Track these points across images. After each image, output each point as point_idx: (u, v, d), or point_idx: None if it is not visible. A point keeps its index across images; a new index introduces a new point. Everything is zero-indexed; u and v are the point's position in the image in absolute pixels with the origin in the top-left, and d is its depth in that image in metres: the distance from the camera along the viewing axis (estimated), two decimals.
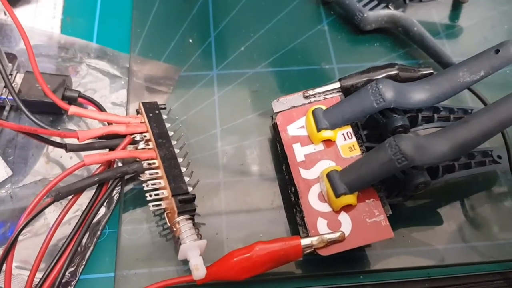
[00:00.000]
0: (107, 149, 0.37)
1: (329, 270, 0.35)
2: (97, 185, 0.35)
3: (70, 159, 0.39)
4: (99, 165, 0.36)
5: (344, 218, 0.33)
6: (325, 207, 0.34)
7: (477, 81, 0.34)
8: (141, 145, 0.36)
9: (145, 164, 0.35)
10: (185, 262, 0.33)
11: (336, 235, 0.32)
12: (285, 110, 0.38)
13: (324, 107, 0.36)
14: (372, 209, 0.33)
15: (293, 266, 0.35)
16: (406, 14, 0.45)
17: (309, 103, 0.38)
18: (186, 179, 0.35)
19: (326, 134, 0.35)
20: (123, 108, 0.42)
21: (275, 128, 0.38)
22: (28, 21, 0.46)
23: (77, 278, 0.35)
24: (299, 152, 0.36)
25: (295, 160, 0.36)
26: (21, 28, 0.37)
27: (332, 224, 0.33)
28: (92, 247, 0.36)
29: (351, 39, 0.47)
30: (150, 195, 0.35)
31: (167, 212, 0.35)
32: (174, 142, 0.36)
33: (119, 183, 0.37)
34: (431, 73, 0.37)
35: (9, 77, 0.39)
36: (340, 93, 0.38)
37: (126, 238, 0.36)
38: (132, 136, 0.36)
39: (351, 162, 0.34)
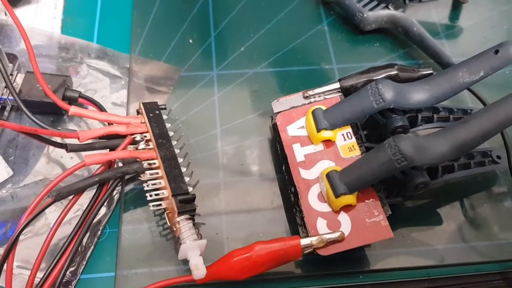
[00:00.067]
0: (108, 149, 0.37)
1: (329, 270, 0.35)
2: (97, 185, 0.35)
3: (70, 159, 0.39)
4: (99, 165, 0.36)
5: (344, 218, 0.33)
6: (324, 207, 0.34)
7: (477, 82, 0.34)
8: (142, 145, 0.36)
9: (145, 164, 0.35)
10: (185, 261, 0.33)
11: (335, 235, 0.32)
12: (285, 110, 0.38)
13: (324, 108, 0.36)
14: (372, 209, 0.33)
15: (292, 266, 0.35)
16: (406, 15, 0.45)
17: (309, 103, 0.38)
18: (186, 179, 0.35)
19: (326, 134, 0.35)
20: (124, 108, 0.42)
21: (275, 128, 0.38)
22: (28, 21, 0.46)
23: (77, 278, 0.35)
24: (299, 152, 0.36)
25: (295, 160, 0.36)
26: (21, 28, 0.37)
27: (332, 224, 0.33)
28: (92, 247, 0.36)
29: (351, 39, 0.47)
30: (151, 195, 0.35)
31: (167, 212, 0.35)
32: (174, 142, 0.37)
33: (120, 183, 0.37)
34: (431, 74, 0.37)
35: (10, 77, 0.39)
36: (340, 94, 0.38)
37: (127, 238, 0.36)
38: (133, 136, 0.37)
39: (350, 162, 0.34)
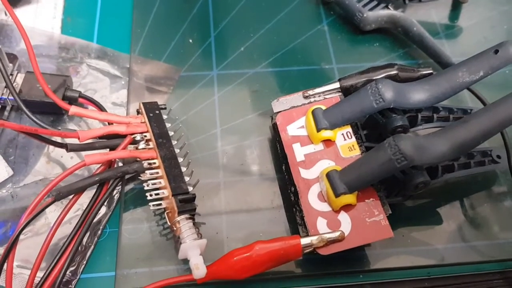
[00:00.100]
0: (108, 149, 0.37)
1: (329, 270, 0.35)
2: (97, 184, 0.35)
3: (70, 159, 0.39)
4: (99, 165, 0.36)
5: (344, 218, 0.33)
6: (324, 207, 0.34)
7: (477, 81, 0.34)
8: (142, 145, 0.36)
9: (145, 164, 0.35)
10: (186, 261, 0.33)
11: (335, 234, 0.32)
12: (285, 110, 0.38)
13: (323, 107, 0.36)
14: (372, 208, 0.33)
15: (293, 266, 0.35)
16: (405, 14, 0.45)
17: (308, 103, 0.38)
18: (186, 178, 0.35)
19: (326, 134, 0.35)
20: (124, 108, 0.42)
21: (275, 128, 0.38)
22: (28, 21, 0.46)
23: (78, 277, 0.35)
24: (299, 152, 0.36)
25: (295, 160, 0.36)
26: (21, 28, 0.38)
27: (332, 223, 0.33)
28: (92, 247, 0.36)
29: (351, 39, 0.47)
30: (151, 195, 0.35)
31: (167, 211, 0.35)
32: (174, 142, 0.37)
33: (120, 183, 0.37)
34: (431, 73, 0.37)
35: (10, 77, 0.39)
36: (340, 93, 0.38)
37: (127, 237, 0.36)
38: (133, 136, 0.37)
39: (350, 162, 0.34)
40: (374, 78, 0.37)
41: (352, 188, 0.33)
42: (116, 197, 0.38)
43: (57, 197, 0.33)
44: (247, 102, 0.42)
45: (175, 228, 0.34)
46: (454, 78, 0.35)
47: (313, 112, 0.36)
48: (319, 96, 0.38)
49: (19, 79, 0.40)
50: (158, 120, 0.37)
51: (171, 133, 0.37)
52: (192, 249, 0.33)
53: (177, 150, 0.36)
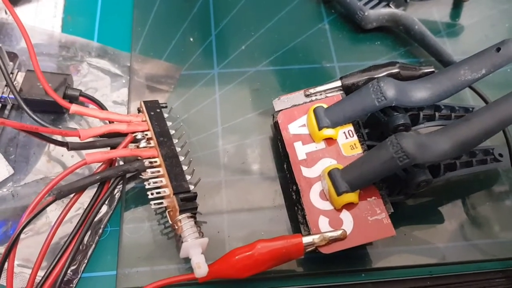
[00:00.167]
0: (109, 148, 0.37)
1: (331, 268, 0.35)
2: (98, 183, 0.35)
3: (71, 158, 0.39)
4: (100, 163, 0.36)
5: (346, 216, 0.33)
6: (326, 205, 0.34)
7: (478, 79, 0.34)
8: (143, 143, 0.36)
9: (146, 163, 0.35)
10: (187, 260, 0.33)
11: (337, 233, 0.32)
12: (286, 108, 0.38)
13: (325, 106, 0.36)
14: (374, 207, 0.33)
15: (294, 264, 0.35)
16: (407, 13, 0.45)
17: (310, 101, 0.38)
18: (188, 177, 0.35)
19: (328, 132, 0.35)
20: (124, 107, 0.42)
21: (276, 126, 0.38)
22: (29, 20, 0.46)
23: (79, 276, 0.35)
24: (300, 151, 0.36)
25: (297, 158, 0.36)
26: (22, 27, 0.37)
27: (334, 222, 0.33)
28: (93, 246, 0.36)
29: (352, 37, 0.47)
30: (152, 194, 0.35)
31: (168, 210, 0.35)
32: (175, 141, 0.37)
33: (121, 182, 0.37)
34: (432, 72, 0.37)
35: (10, 75, 0.39)
36: (341, 92, 0.38)
37: (128, 236, 0.36)
38: (134, 134, 0.36)
39: (352, 161, 0.34)
40: (375, 76, 0.37)
41: (354, 187, 0.33)
42: (117, 196, 0.38)
43: (58, 196, 0.32)
44: (248, 101, 0.42)
45: (176, 227, 0.33)
46: (456, 76, 0.35)
47: (314, 111, 0.36)
48: (321, 94, 0.38)
49: (19, 78, 0.40)
50: (159, 118, 0.37)
51: (172, 132, 0.37)
52: (194, 248, 0.32)
53: (178, 149, 0.36)
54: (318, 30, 0.47)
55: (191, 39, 0.46)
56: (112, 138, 0.37)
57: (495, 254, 0.36)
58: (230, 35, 0.46)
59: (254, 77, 0.44)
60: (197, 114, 0.41)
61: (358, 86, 0.37)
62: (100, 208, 0.35)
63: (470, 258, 0.36)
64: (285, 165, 0.37)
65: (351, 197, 0.33)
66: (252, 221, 0.37)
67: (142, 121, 0.37)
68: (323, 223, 0.33)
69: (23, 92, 0.39)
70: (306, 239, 0.32)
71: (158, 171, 0.35)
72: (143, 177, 0.35)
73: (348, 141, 0.36)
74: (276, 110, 0.38)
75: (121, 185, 0.37)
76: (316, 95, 0.38)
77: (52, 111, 0.40)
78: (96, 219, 0.36)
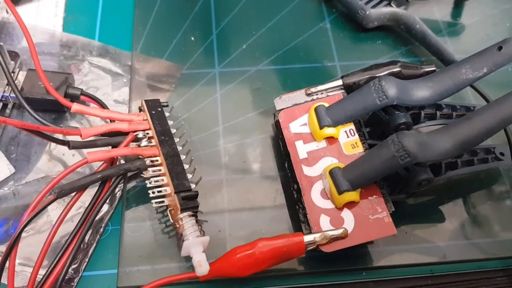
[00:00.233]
0: (110, 147, 0.37)
1: (332, 267, 0.35)
2: (99, 182, 0.35)
3: (72, 157, 0.39)
4: (101, 162, 0.36)
5: (347, 215, 0.33)
6: (327, 204, 0.34)
7: (480, 78, 0.34)
8: (144, 142, 0.36)
9: (147, 161, 0.35)
10: (188, 258, 0.33)
11: (339, 231, 0.32)
12: (287, 107, 0.38)
13: (326, 105, 0.36)
14: (375, 206, 0.33)
15: (295, 263, 0.35)
16: (408, 12, 0.45)
17: (311, 100, 0.38)
18: (189, 176, 0.35)
19: (329, 131, 0.35)
20: (125, 106, 0.42)
21: (277, 125, 0.38)
22: (30, 19, 0.46)
23: (80, 275, 0.35)
24: (301, 149, 0.36)
25: (298, 157, 0.36)
26: (23, 26, 0.37)
27: (335, 220, 0.33)
28: (95, 244, 0.36)
29: (353, 36, 0.47)
30: (153, 192, 0.35)
31: (170, 209, 0.35)
32: (176, 140, 0.37)
33: (122, 180, 0.37)
34: (434, 71, 0.37)
35: (12, 75, 0.39)
36: (343, 91, 0.38)
37: (129, 235, 0.36)
38: (135, 133, 0.36)
39: (353, 159, 0.34)
40: (377, 75, 0.37)
41: (355, 185, 0.33)
42: (118, 194, 0.38)
43: (59, 195, 0.32)
44: (249, 100, 0.42)
45: (177, 226, 0.33)
46: (457, 75, 0.35)
47: (315, 110, 0.36)
48: (322, 93, 0.38)
49: (21, 77, 0.40)
50: (160, 117, 0.37)
51: (173, 131, 0.37)
52: (195, 246, 0.32)
53: (179, 148, 0.36)
54: (319, 29, 0.47)
55: (192, 38, 0.46)
56: (113, 137, 0.37)
57: (496, 253, 0.36)
58: (231, 34, 0.46)
59: (255, 76, 0.44)
60: (198, 113, 0.41)
61: (360, 85, 0.37)
62: (101, 207, 0.35)
63: (471, 256, 0.36)
64: (286, 164, 0.37)
65: (352, 195, 0.33)
66: (253, 220, 0.37)
67: (143, 120, 0.37)
68: (324, 222, 0.33)
69: (25, 91, 0.39)
70: (307, 238, 0.32)
71: (159, 170, 0.35)
72: (144, 176, 0.35)
73: (349, 140, 0.36)
74: (277, 109, 0.38)
75: (122, 184, 0.37)
76: (317, 94, 0.38)
77: (54, 110, 0.40)
78: (97, 218, 0.36)
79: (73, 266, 0.35)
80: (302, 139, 0.36)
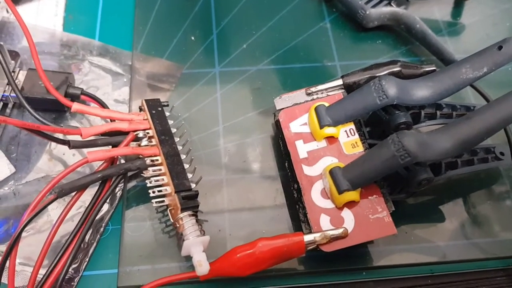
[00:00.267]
0: (110, 146, 0.37)
1: (332, 267, 0.35)
2: (100, 181, 0.35)
3: (73, 156, 0.39)
4: (102, 162, 0.36)
5: (347, 215, 0.33)
6: (328, 204, 0.34)
7: (480, 78, 0.34)
8: (144, 142, 0.36)
9: (148, 161, 0.35)
10: (188, 258, 0.33)
11: (339, 231, 0.32)
12: (287, 107, 0.38)
13: (326, 104, 0.36)
14: (375, 205, 0.33)
15: (296, 263, 0.35)
16: (408, 12, 0.45)
17: (311, 100, 0.38)
18: (189, 175, 0.35)
19: (329, 131, 0.35)
20: (126, 105, 0.42)
21: (277, 125, 0.38)
22: (30, 19, 0.46)
23: (80, 274, 0.35)
24: (301, 149, 0.36)
25: (298, 157, 0.36)
26: (23, 26, 0.37)
27: (335, 220, 0.33)
28: (95, 244, 0.36)
29: (354, 36, 0.47)
30: (153, 192, 0.35)
31: (170, 208, 0.35)
32: (177, 139, 0.37)
33: (122, 180, 0.37)
34: (434, 70, 0.37)
35: (12, 74, 0.39)
36: (343, 90, 0.38)
37: (129, 234, 0.36)
38: (135, 133, 0.36)
39: (353, 159, 0.34)
40: (377, 75, 0.37)
41: (355, 185, 0.33)
42: (118, 194, 0.38)
43: (59, 194, 0.32)
44: (249, 100, 0.42)
45: (178, 225, 0.33)
46: (457, 74, 0.35)
47: (316, 109, 0.36)
48: (322, 93, 0.38)
49: (21, 76, 0.40)
50: (161, 117, 0.37)
51: (173, 130, 0.37)
52: (195, 246, 0.32)
53: (179, 147, 0.36)
54: (320, 28, 0.47)
55: (193, 38, 0.46)
56: (113, 137, 0.37)
57: (496, 253, 0.36)
58: (232, 34, 0.46)
59: (255, 76, 0.44)
60: (199, 113, 0.41)
61: (360, 84, 0.37)
62: (101, 207, 0.35)
63: (471, 256, 0.36)
64: (286, 164, 0.37)
65: (352, 195, 0.33)
66: (253, 219, 0.37)
67: (144, 119, 0.37)
68: (324, 222, 0.33)
69: (25, 90, 0.39)
70: (307, 237, 0.32)
71: (160, 170, 0.35)
72: (145, 176, 0.35)
73: (349, 140, 0.36)
74: (277, 108, 0.38)
75: (123, 184, 0.37)
76: (317, 94, 0.38)
77: (54, 110, 0.41)
78: (97, 217, 0.36)
79: (74, 266, 0.35)
80: (302, 139, 0.36)
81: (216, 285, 0.35)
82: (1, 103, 0.40)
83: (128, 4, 0.48)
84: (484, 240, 0.37)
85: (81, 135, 0.35)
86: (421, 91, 0.35)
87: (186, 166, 0.35)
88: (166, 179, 0.35)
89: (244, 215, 0.37)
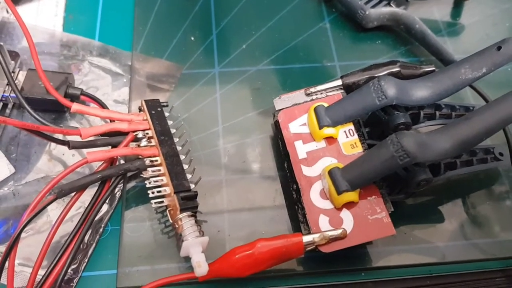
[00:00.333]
0: (110, 147, 0.37)
1: (331, 267, 0.35)
2: (99, 182, 0.35)
3: (72, 157, 0.39)
4: (101, 162, 0.36)
5: (346, 215, 0.33)
6: (327, 204, 0.34)
7: (479, 78, 0.34)
8: (144, 142, 0.36)
9: (147, 161, 0.35)
10: (188, 259, 0.33)
11: (337, 232, 0.32)
12: (287, 107, 0.38)
13: (326, 105, 0.36)
14: (374, 206, 0.33)
15: (294, 263, 0.35)
16: (408, 12, 0.45)
17: (311, 100, 0.38)
18: (188, 176, 0.35)
19: (328, 131, 0.35)
20: (125, 106, 0.42)
21: (276, 125, 0.38)
22: (30, 19, 0.46)
23: (79, 275, 0.35)
24: (301, 150, 0.36)
25: (297, 157, 0.36)
26: (23, 26, 0.37)
27: (334, 221, 0.33)
28: (94, 244, 0.36)
29: (353, 36, 0.47)
30: (153, 192, 0.35)
31: (169, 209, 0.35)
32: (176, 140, 0.37)
33: (122, 181, 0.37)
34: (433, 70, 0.37)
35: (12, 74, 0.39)
36: (342, 91, 0.38)
37: (128, 235, 0.36)
38: (135, 133, 0.36)
39: (352, 160, 0.34)
40: (376, 75, 0.37)
41: (354, 186, 0.33)
42: (118, 194, 0.38)
43: (58, 195, 0.33)
44: (249, 100, 0.42)
45: (177, 226, 0.34)
46: (456, 75, 0.35)
47: (315, 110, 0.36)
48: (321, 93, 0.38)
49: (21, 77, 0.40)
50: (160, 117, 0.37)
51: (173, 131, 0.37)
52: (194, 247, 0.32)
53: (179, 148, 0.36)
54: (319, 29, 0.47)
55: (192, 38, 0.46)
56: (113, 137, 0.37)
57: (495, 254, 0.36)
58: (231, 34, 0.46)
59: (254, 76, 0.44)
60: (198, 113, 0.41)
61: (359, 85, 0.37)
62: (101, 207, 0.35)
63: (470, 257, 0.36)
64: (285, 164, 0.37)
65: (351, 196, 0.33)
66: (252, 220, 0.37)
67: (143, 120, 0.37)
68: (323, 222, 0.33)
69: (25, 91, 0.39)
70: (306, 238, 0.32)
71: (159, 170, 0.35)
72: (144, 176, 0.35)
73: (348, 140, 0.36)
74: (276, 109, 0.38)
75: (122, 184, 0.38)
76: (316, 94, 0.38)
77: (53, 110, 0.41)
78: (96, 218, 0.36)
79: (73, 267, 0.35)
80: (302, 139, 0.36)
81: (215, 286, 0.35)
82: (1, 103, 0.40)
83: (128, 4, 0.48)
84: (483, 241, 0.37)
85: (80, 136, 0.35)
86: (420, 92, 0.35)
87: (185, 166, 0.35)
88: (165, 179, 0.35)
89: (243, 216, 0.37)
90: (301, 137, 0.36)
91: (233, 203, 0.38)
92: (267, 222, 0.37)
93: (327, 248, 0.32)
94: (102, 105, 0.40)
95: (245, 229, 0.36)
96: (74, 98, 0.40)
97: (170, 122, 0.37)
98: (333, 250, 0.32)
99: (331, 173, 0.34)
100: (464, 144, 0.32)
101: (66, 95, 0.39)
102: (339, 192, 0.33)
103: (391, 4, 0.46)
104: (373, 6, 0.45)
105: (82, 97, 0.40)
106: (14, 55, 0.41)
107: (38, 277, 0.32)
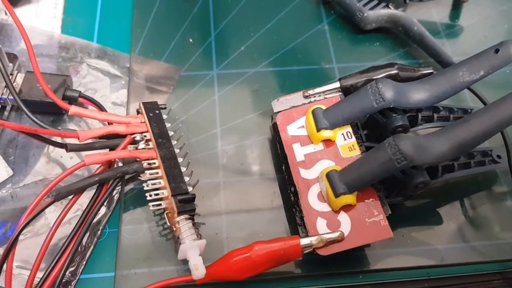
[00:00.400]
0: (108, 149, 0.37)
1: (329, 270, 0.35)
2: (97, 185, 0.35)
3: (70, 159, 0.39)
4: (99, 165, 0.36)
5: (344, 218, 0.33)
6: (324, 207, 0.34)
7: (477, 81, 0.34)
8: (141, 145, 0.36)
9: (145, 164, 0.35)
10: (185, 261, 0.33)
11: (335, 234, 0.32)
12: (285, 110, 0.38)
13: (324, 107, 0.36)
14: (372, 209, 0.33)
15: (292, 266, 0.35)
16: (406, 14, 0.45)
17: (309, 102, 0.38)
18: (186, 179, 0.35)
19: (326, 134, 0.35)
20: (124, 108, 0.42)
21: (275, 128, 0.38)
22: (29, 21, 0.46)
23: (77, 278, 0.35)
24: (298, 152, 0.36)
25: (295, 159, 0.36)
26: (21, 28, 0.38)
27: (332, 223, 0.33)
28: (92, 247, 0.36)
29: (351, 38, 0.47)
30: (150, 195, 0.35)
31: (167, 212, 0.35)
32: (174, 142, 0.37)
33: (120, 183, 0.37)
34: (431, 73, 0.37)
35: (10, 77, 0.39)
36: (340, 93, 0.38)
37: (126, 237, 0.36)
38: (133, 136, 0.37)
39: (350, 162, 0.34)
40: (374, 77, 0.37)
41: (352, 188, 0.33)
42: (115, 197, 0.38)
43: (56, 198, 0.33)
44: (247, 102, 0.42)
45: (174, 229, 0.34)
46: (454, 77, 0.35)
47: (313, 112, 0.36)
48: (319, 95, 0.38)
49: (19, 79, 0.40)
50: (158, 120, 0.37)
51: (171, 133, 0.37)
52: (192, 250, 0.32)
53: (177, 150, 0.36)
54: (318, 31, 0.47)
55: (191, 40, 0.46)
56: (111, 140, 0.37)
57: (493, 256, 0.36)
58: (230, 36, 0.46)
59: (253, 78, 0.44)
60: (196, 115, 0.42)
61: (357, 87, 0.37)
62: (98, 210, 0.35)
63: (468, 260, 0.36)
64: (283, 167, 0.37)
65: (349, 198, 0.33)
66: (250, 222, 0.37)
67: (141, 122, 0.37)
68: (321, 225, 0.33)
69: (23, 93, 0.39)
70: (304, 241, 0.32)
71: (157, 173, 0.35)
72: (142, 179, 0.35)
73: (346, 143, 0.36)
74: (275, 111, 0.38)
75: (120, 187, 0.37)
76: (315, 96, 0.38)
77: (52, 113, 0.41)
78: (94, 220, 0.36)
79: (71, 269, 0.35)
80: (299, 142, 0.36)
81: None
82: None
83: (126, 6, 0.48)
84: (481, 243, 0.37)
85: (78, 138, 0.35)
86: (418, 94, 0.35)
87: (183, 169, 0.35)
88: (163, 182, 0.35)
89: (241, 218, 0.37)
90: (299, 139, 0.36)
91: (231, 205, 0.38)
92: (265, 224, 0.37)
93: (324, 251, 0.32)
94: (100, 108, 0.40)
95: (243, 231, 0.36)
96: (72, 101, 0.40)
97: (168, 125, 0.37)
98: (331, 253, 0.32)
99: (328, 175, 0.34)
100: (462, 146, 0.32)
101: (64, 98, 0.39)
102: (336, 195, 0.33)
103: (390, 6, 0.46)
104: (372, 8, 0.45)
105: (80, 100, 0.40)
106: (12, 57, 0.41)
107: (36, 280, 0.32)
